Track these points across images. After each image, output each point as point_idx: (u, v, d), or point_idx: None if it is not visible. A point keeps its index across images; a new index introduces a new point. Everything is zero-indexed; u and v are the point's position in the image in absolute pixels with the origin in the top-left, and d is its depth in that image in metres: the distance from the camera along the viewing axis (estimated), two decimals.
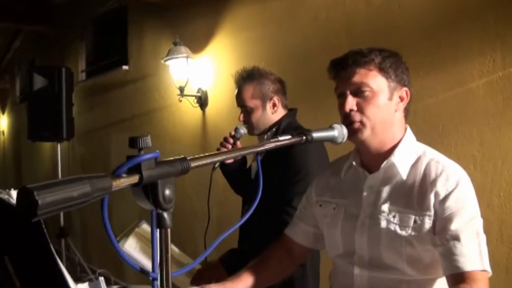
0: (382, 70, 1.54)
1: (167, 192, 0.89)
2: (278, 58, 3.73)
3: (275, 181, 2.22)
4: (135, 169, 0.86)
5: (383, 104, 1.55)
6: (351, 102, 1.54)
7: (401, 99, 1.59)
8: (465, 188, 1.50)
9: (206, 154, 1.02)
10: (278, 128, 2.38)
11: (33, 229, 0.83)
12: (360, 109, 1.54)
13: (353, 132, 1.54)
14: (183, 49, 4.35)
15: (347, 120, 1.54)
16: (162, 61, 4.49)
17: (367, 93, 1.53)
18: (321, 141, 1.43)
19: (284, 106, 2.45)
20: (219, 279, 2.08)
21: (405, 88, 1.59)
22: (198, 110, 4.63)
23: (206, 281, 2.07)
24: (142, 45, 5.58)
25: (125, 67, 5.78)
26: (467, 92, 2.65)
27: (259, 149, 1.26)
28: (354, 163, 1.67)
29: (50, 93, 5.27)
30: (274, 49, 3.82)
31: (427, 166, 1.55)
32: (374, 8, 3.13)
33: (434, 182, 1.50)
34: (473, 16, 2.61)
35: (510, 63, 2.48)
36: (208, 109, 4.60)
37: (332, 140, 1.44)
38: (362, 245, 1.59)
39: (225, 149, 2.43)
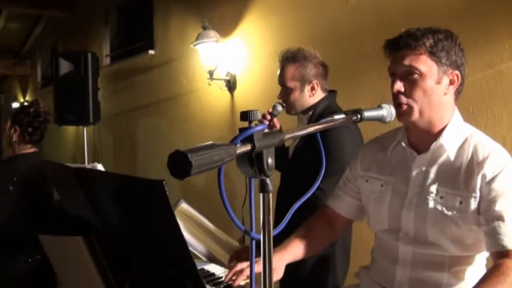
0: (432, 54, 1.58)
1: (270, 160, 1.01)
2: (308, 42, 3.73)
3: (308, 161, 2.19)
4: (248, 139, 0.99)
5: (431, 87, 1.59)
6: (399, 84, 1.60)
7: (452, 82, 1.63)
8: (511, 171, 1.57)
9: (291, 129, 1.15)
10: (315, 111, 2.44)
11: (159, 199, 0.94)
12: (408, 92, 1.60)
13: (402, 114, 1.61)
14: (212, 33, 4.42)
15: (395, 100, 1.61)
16: (191, 46, 4.57)
17: (415, 77, 1.58)
18: (371, 120, 1.49)
19: (324, 90, 2.50)
20: (256, 260, 2.18)
21: (456, 72, 1.62)
22: (227, 93, 4.71)
23: (245, 259, 2.18)
24: (168, 29, 5.64)
25: (151, 52, 5.84)
26: (497, 73, 2.71)
27: (318, 127, 1.34)
28: (402, 143, 1.73)
29: (76, 78, 5.32)
30: (303, 33, 3.88)
31: (474, 149, 1.61)
32: None
33: (481, 165, 1.56)
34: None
35: None
36: (236, 92, 4.68)
37: (381, 119, 1.52)
38: (408, 222, 1.67)
39: None
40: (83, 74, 5.33)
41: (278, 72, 2.51)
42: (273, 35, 4.22)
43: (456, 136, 1.64)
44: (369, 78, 3.36)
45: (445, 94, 1.63)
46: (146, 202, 1.01)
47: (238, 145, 0.98)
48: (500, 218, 1.51)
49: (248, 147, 0.99)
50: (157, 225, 1.01)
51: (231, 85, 4.68)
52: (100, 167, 1.60)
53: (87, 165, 1.62)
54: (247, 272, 1.68)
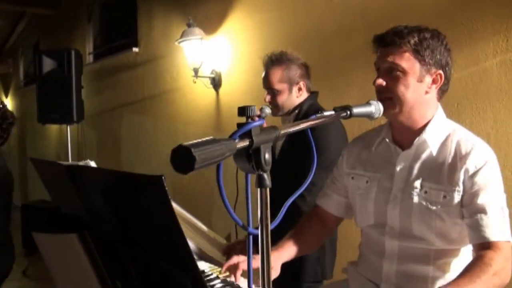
0: (416, 52, 1.61)
1: (267, 155, 1.02)
2: (293, 40, 3.79)
3: (296, 159, 2.32)
4: (246, 135, 1.00)
5: (412, 85, 1.63)
6: (380, 79, 1.65)
7: (434, 81, 1.66)
8: (493, 165, 1.62)
9: (286, 125, 1.15)
10: (301, 110, 2.50)
11: (159, 197, 0.93)
12: (390, 87, 1.64)
13: (385, 108, 1.63)
14: (197, 30, 4.41)
15: (378, 94, 1.66)
16: (176, 43, 4.55)
17: (397, 73, 1.62)
18: (360, 116, 1.50)
19: (308, 90, 2.57)
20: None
21: (440, 71, 1.65)
22: (212, 91, 4.70)
23: (238, 253, 2.20)
24: (152, 27, 5.61)
25: (135, 50, 5.81)
26: (481, 70, 2.74)
27: (310, 123, 1.35)
28: (387, 139, 1.77)
29: (59, 76, 5.28)
30: (288, 31, 3.88)
31: (457, 144, 1.65)
32: None
33: (463, 159, 1.61)
34: None
35: None
36: (221, 90, 4.67)
37: (369, 115, 1.53)
38: (393, 217, 1.70)
39: None
40: (67, 72, 5.28)
41: (263, 75, 2.55)
42: (259, 33, 4.22)
43: (439, 132, 1.68)
44: (355, 77, 3.38)
45: (426, 92, 1.66)
46: (144, 198, 1.00)
47: (237, 140, 0.98)
48: (482, 211, 1.56)
49: (246, 143, 1.00)
50: (155, 222, 1.00)
51: (216, 82, 4.67)
52: (93, 164, 1.59)
53: (79, 162, 1.59)
54: (243, 266, 1.70)
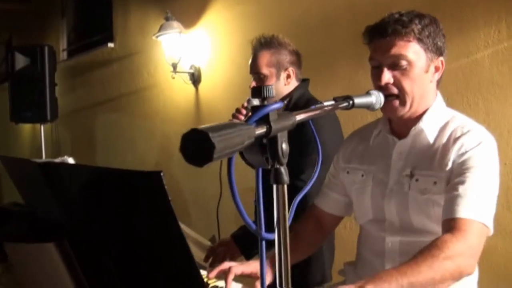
0: (420, 41, 1.51)
1: (284, 145, 0.87)
2: (277, 31, 3.62)
3: (290, 156, 2.21)
4: (263, 120, 0.84)
5: (420, 76, 1.53)
6: (387, 76, 1.52)
7: (436, 69, 1.57)
8: (486, 149, 1.50)
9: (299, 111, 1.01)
10: (291, 100, 2.35)
11: (158, 197, 0.79)
12: (397, 83, 1.52)
13: (392, 109, 1.53)
14: (175, 24, 4.29)
15: (384, 92, 1.51)
16: (153, 37, 4.42)
17: (404, 66, 1.51)
18: (360, 107, 1.39)
19: (298, 79, 2.43)
20: (232, 256, 2.09)
21: (441, 58, 1.57)
22: (191, 87, 4.57)
23: (220, 258, 2.08)
24: (128, 21, 5.46)
25: (110, 45, 5.64)
26: (472, 62, 2.68)
27: (308, 114, 1.21)
28: (385, 132, 1.67)
29: (32, 73, 5.12)
30: (271, 23, 3.77)
31: (454, 129, 1.56)
32: None
33: (456, 141, 1.51)
34: None
35: None
36: (201, 86, 4.54)
37: (369, 106, 1.42)
38: (391, 211, 1.60)
39: (237, 121, 2.41)
40: (40, 69, 5.13)
41: (251, 60, 2.40)
42: (240, 25, 4.10)
43: (437, 119, 1.59)
44: (341, 69, 3.29)
45: (430, 82, 1.58)
46: (138, 197, 0.85)
47: (254, 126, 0.83)
48: (463, 188, 1.42)
49: (263, 129, 0.84)
50: (151, 225, 0.86)
51: (195, 78, 4.54)
52: (71, 161, 1.41)
53: (55, 159, 1.41)
54: (235, 270, 1.57)
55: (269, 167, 0.89)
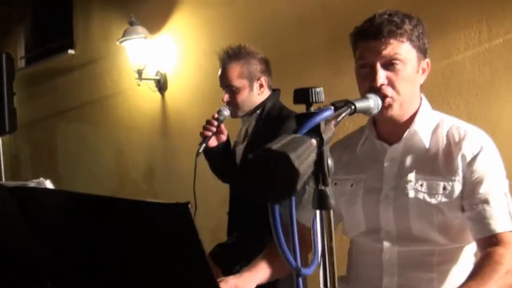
0: (412, 41, 1.50)
1: (330, 162, 0.73)
2: (246, 36, 3.56)
3: None
4: (313, 131, 0.70)
5: (412, 77, 1.52)
6: (382, 76, 1.47)
7: (423, 70, 1.57)
8: (490, 150, 1.52)
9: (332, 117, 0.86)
10: (263, 109, 2.30)
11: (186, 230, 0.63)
12: (391, 83, 1.48)
13: (384, 108, 1.48)
14: (140, 29, 4.13)
15: (378, 93, 1.47)
16: (117, 43, 4.25)
17: (398, 66, 1.48)
18: (360, 112, 1.31)
19: (269, 87, 2.37)
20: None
21: (427, 59, 1.57)
22: (157, 94, 4.41)
23: None
24: (90, 26, 5.27)
25: (71, 51, 5.43)
26: (453, 64, 2.64)
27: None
28: (373, 137, 1.62)
29: None
30: (240, 27, 3.67)
31: (449, 132, 1.54)
32: None
33: (459, 146, 1.50)
34: None
35: (496, 34, 2.49)
36: (167, 93, 4.39)
37: (367, 111, 1.38)
38: (388, 219, 1.55)
39: (209, 134, 2.29)
40: None
41: (220, 72, 2.32)
42: (207, 30, 3.98)
43: (428, 122, 1.58)
44: (317, 74, 3.20)
45: (419, 83, 1.58)
46: (159, 233, 0.69)
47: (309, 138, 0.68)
48: (485, 201, 1.45)
49: (314, 142, 0.70)
50: (175, 262, 0.69)
51: (161, 85, 4.37)
52: (48, 184, 1.18)
53: (28, 182, 1.17)
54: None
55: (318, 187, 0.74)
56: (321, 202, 0.74)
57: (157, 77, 4.34)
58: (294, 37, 3.32)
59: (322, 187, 0.73)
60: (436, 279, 1.53)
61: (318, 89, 0.74)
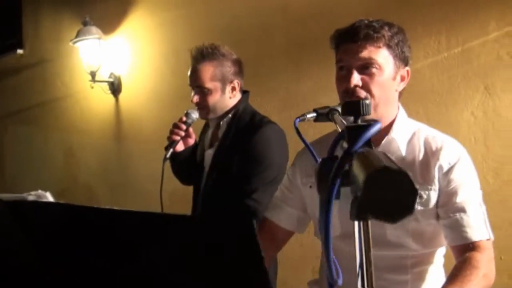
0: (390, 47, 1.52)
1: None
2: (206, 40, 3.51)
3: (235, 171, 2.14)
4: (366, 145, 0.73)
5: (387, 82, 1.53)
6: (356, 78, 1.50)
7: (402, 78, 1.59)
8: (466, 161, 1.56)
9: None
10: (236, 113, 2.24)
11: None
12: (365, 86, 1.51)
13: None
14: (94, 29, 4.02)
15: (348, 95, 1.51)
16: (70, 44, 4.12)
17: (373, 70, 1.50)
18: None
19: (241, 90, 2.31)
20: None
21: (407, 68, 1.59)
22: (111, 97, 4.30)
23: None
24: (41, 25, 5.11)
25: (19, 51, 5.28)
26: (413, 72, 2.63)
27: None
28: None
29: None
30: (200, 30, 3.58)
31: (426, 142, 1.57)
32: None
33: (436, 156, 1.53)
34: None
35: (455, 44, 2.53)
36: (121, 96, 4.28)
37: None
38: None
39: (178, 138, 2.23)
40: None
41: (190, 71, 2.24)
42: (164, 32, 3.89)
43: (405, 130, 1.60)
44: (278, 79, 3.17)
45: (396, 90, 1.59)
46: (211, 254, 0.62)
47: None
48: (461, 209, 1.49)
49: None
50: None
51: (115, 87, 4.26)
52: (48, 196, 1.06)
53: (25, 194, 1.03)
54: None
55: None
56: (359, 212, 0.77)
57: (111, 79, 4.23)
58: (254, 42, 3.28)
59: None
60: (410, 281, 1.57)
61: (367, 101, 0.78)
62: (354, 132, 0.71)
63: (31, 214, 0.79)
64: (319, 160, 1.12)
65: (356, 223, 0.77)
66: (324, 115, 1.22)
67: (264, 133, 2.13)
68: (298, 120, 1.24)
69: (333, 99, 3.07)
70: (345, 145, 0.78)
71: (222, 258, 0.68)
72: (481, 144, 2.41)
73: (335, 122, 1.18)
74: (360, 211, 0.54)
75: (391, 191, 0.52)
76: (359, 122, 0.73)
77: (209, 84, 2.18)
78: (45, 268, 0.80)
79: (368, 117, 1.48)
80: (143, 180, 4.01)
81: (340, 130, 1.11)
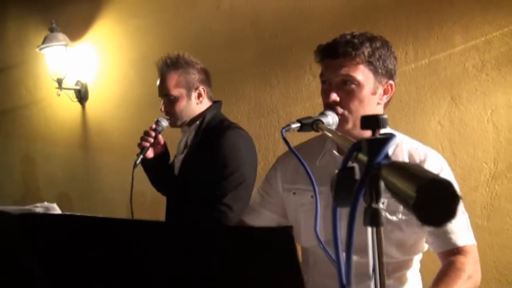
0: (370, 64, 1.54)
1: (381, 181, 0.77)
2: (174, 49, 3.48)
3: (203, 176, 2.17)
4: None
5: (367, 98, 1.55)
6: (334, 95, 1.54)
7: (385, 92, 1.60)
8: (448, 170, 1.61)
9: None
10: (203, 120, 2.29)
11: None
12: (343, 102, 1.54)
13: (339, 124, 1.54)
14: (61, 36, 3.94)
15: (330, 108, 1.54)
16: (37, 50, 4.02)
17: (352, 87, 1.53)
18: None
19: (209, 98, 2.37)
20: None
21: (391, 81, 1.60)
22: (77, 105, 4.22)
23: None
24: (4, 31, 4.99)
25: None
26: None
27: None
28: (334, 151, 1.66)
29: None
30: (169, 39, 3.57)
31: (409, 153, 1.61)
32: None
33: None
34: (386, 11, 2.68)
35: (422, 56, 2.59)
36: (88, 104, 4.21)
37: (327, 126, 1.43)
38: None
39: (147, 144, 2.24)
40: None
41: (158, 81, 2.31)
42: (133, 40, 3.85)
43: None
44: (247, 89, 3.19)
45: (378, 104, 1.61)
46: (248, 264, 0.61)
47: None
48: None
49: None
50: None
51: (82, 95, 4.19)
52: (56, 208, 1.01)
53: (31, 206, 0.98)
54: None
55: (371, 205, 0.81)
56: (373, 219, 0.82)
57: (77, 87, 4.16)
58: (224, 52, 3.28)
59: (375, 205, 0.81)
60: (392, 286, 1.61)
61: (385, 116, 0.82)
62: (374, 145, 0.75)
63: (40, 228, 0.75)
64: (307, 166, 1.15)
65: (369, 230, 0.83)
66: (308, 125, 1.26)
67: (231, 136, 2.17)
68: (284, 130, 1.27)
69: (300, 109, 3.10)
70: (361, 156, 0.82)
71: (260, 269, 0.67)
72: (449, 152, 2.47)
73: (322, 131, 1.21)
74: (420, 218, 0.59)
75: (439, 198, 0.58)
76: (377, 135, 0.78)
77: (174, 91, 2.25)
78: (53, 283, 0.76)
79: (348, 129, 1.55)
80: (110, 189, 3.95)
81: (330, 137, 1.15)
